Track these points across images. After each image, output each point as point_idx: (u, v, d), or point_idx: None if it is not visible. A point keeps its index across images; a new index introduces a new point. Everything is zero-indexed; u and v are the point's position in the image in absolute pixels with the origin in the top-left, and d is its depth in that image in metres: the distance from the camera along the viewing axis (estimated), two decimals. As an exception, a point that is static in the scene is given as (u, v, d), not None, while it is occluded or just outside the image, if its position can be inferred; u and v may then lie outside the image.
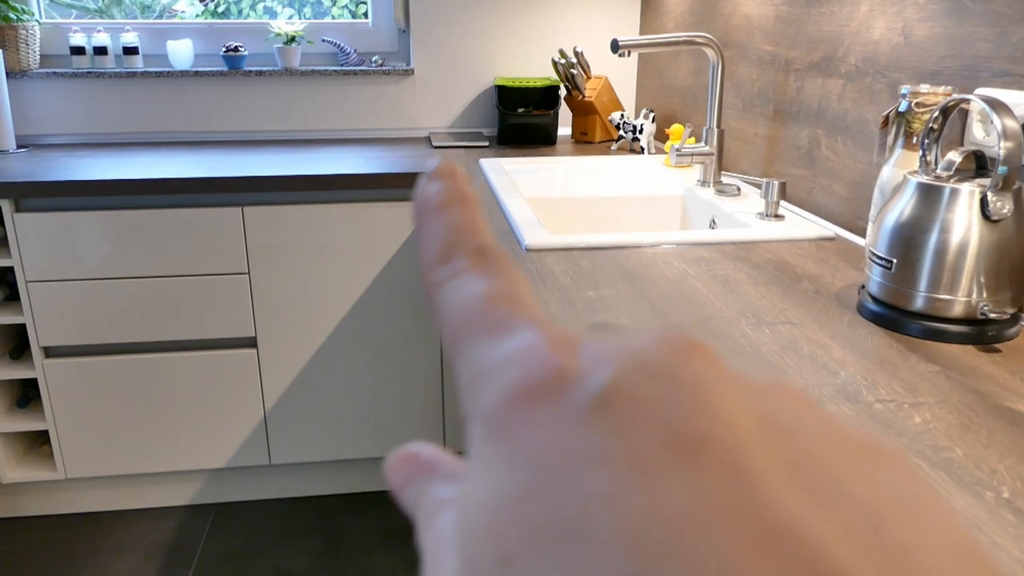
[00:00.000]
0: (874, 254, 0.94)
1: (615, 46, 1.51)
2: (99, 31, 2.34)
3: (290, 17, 2.48)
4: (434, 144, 2.26)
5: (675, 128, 1.90)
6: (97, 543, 2.00)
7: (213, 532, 2.04)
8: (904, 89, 1.03)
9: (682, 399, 0.14)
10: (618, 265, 1.14)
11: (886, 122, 1.07)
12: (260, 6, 2.57)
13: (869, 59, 1.28)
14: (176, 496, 2.14)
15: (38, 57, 2.32)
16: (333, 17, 2.56)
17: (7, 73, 2.20)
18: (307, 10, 2.58)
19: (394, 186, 1.91)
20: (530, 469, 0.13)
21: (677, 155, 1.60)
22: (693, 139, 1.65)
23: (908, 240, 0.89)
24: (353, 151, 2.20)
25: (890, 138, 1.06)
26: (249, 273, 1.90)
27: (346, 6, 2.57)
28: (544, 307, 0.98)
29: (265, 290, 1.93)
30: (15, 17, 2.22)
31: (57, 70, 2.29)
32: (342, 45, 2.40)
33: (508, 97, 2.31)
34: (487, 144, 2.26)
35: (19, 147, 2.25)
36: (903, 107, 1.03)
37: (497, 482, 0.14)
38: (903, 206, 0.90)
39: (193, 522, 2.08)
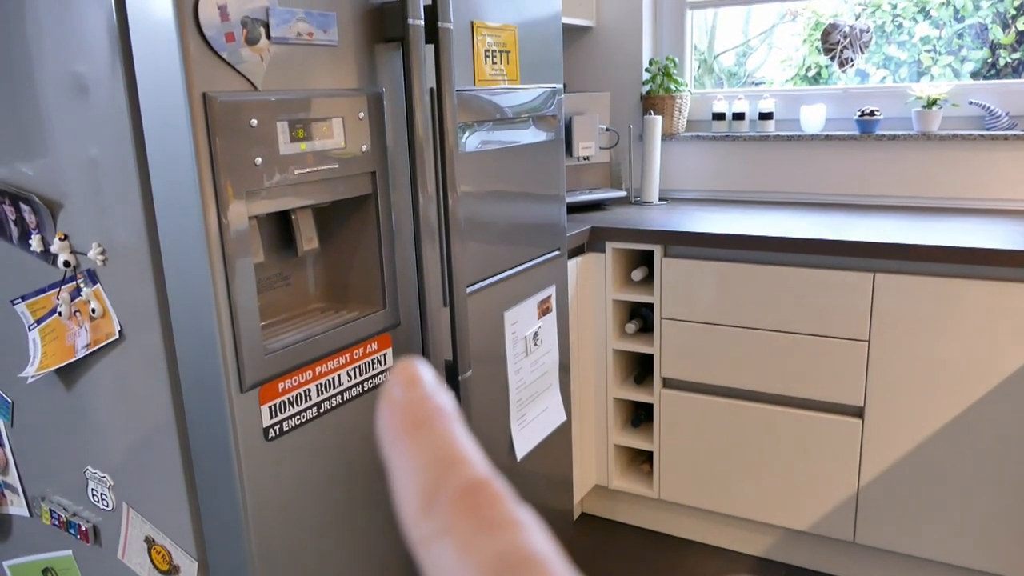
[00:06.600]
0: None
1: None
2: (739, 99, 2.55)
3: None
4: (1105, 221, 1.90)
5: None
6: (671, 565, 2.16)
7: (784, 592, 2.03)
8: None
9: None
10: None
11: None
12: (902, 69, 2.51)
13: None
14: (751, 545, 2.19)
15: (685, 122, 2.63)
16: (985, 77, 2.36)
17: (661, 136, 2.55)
18: (963, 65, 2.42)
19: (1057, 267, 1.65)
20: None
21: None
22: None
23: None
24: (996, 223, 1.98)
25: None
26: (869, 341, 1.84)
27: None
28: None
29: (883, 361, 1.84)
30: (675, 88, 2.56)
31: (699, 134, 2.56)
32: (991, 107, 2.19)
33: None
34: None
35: (660, 199, 2.58)
36: None
37: None
38: None
39: (764, 576, 2.10)
